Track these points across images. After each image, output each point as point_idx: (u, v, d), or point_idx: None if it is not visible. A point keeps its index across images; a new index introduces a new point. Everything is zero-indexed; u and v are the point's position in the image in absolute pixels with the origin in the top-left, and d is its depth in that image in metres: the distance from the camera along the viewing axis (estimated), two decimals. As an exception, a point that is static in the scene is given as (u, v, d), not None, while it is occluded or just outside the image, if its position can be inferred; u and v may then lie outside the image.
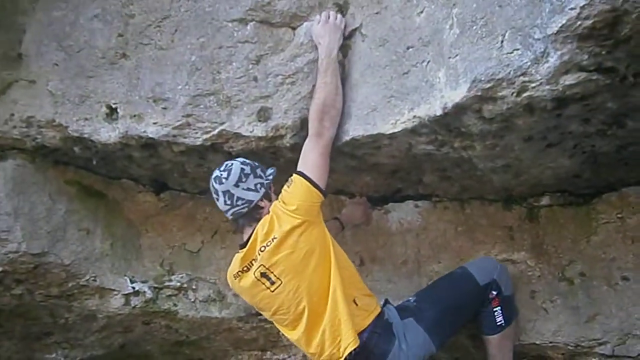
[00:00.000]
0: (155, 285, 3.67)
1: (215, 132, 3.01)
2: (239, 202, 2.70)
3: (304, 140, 2.87)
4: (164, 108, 3.04)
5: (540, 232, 3.23)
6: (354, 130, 2.84)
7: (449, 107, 2.43)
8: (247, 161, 2.78)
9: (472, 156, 2.81)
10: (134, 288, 3.62)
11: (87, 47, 3.20)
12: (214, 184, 2.76)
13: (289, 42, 2.96)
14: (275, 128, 2.95)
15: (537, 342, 3.19)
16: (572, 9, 1.99)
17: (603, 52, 2.06)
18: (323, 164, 2.74)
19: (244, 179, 2.70)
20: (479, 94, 2.34)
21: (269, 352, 3.98)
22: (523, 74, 2.21)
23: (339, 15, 2.90)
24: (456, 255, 3.36)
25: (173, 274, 3.69)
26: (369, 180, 3.32)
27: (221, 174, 2.73)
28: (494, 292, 2.93)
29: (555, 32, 2.06)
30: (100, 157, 3.34)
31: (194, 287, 3.70)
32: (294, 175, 2.71)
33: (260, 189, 2.73)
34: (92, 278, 3.52)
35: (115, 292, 3.61)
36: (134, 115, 3.09)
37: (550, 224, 3.21)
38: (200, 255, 3.74)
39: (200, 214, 3.75)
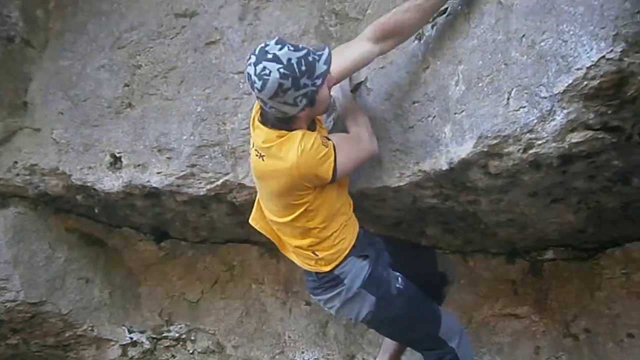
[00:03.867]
0: (154, 336, 3.64)
1: (220, 182, 3.03)
2: (272, 110, 2.29)
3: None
4: (169, 158, 3.06)
5: (544, 287, 3.21)
6: (360, 182, 2.84)
7: (455, 162, 2.43)
8: (290, 68, 2.19)
9: (476, 210, 2.82)
10: (131, 338, 3.60)
11: (93, 96, 3.24)
12: (248, 80, 2.28)
13: (294, 95, 2.98)
14: (279, 180, 2.95)
15: (542, 400, 3.15)
16: (578, 69, 2.01)
17: (609, 112, 2.08)
18: (357, 161, 2.57)
19: (280, 94, 2.21)
20: (485, 149, 2.35)
21: (266, 406, 3.90)
22: (529, 131, 2.22)
23: None
24: (459, 308, 3.32)
25: (172, 324, 3.66)
26: (372, 231, 3.30)
27: (254, 80, 2.22)
28: None
29: (561, 91, 2.08)
30: (102, 206, 3.34)
31: (192, 337, 3.66)
32: (331, 144, 2.39)
33: (300, 102, 2.26)
34: (90, 328, 3.49)
35: (113, 343, 3.58)
36: (138, 165, 3.11)
37: (554, 279, 3.20)
38: (200, 305, 3.71)
39: (201, 263, 3.74)
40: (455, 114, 2.45)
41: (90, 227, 3.58)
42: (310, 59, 2.26)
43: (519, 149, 2.29)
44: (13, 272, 3.24)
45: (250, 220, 2.74)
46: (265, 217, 2.65)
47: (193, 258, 3.73)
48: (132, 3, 3.30)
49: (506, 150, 2.32)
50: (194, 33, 3.13)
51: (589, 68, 1.99)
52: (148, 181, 3.08)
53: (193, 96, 3.08)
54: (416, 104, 2.64)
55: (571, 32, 2.05)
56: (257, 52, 2.24)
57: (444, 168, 2.50)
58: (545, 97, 2.15)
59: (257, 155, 2.41)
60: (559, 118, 2.15)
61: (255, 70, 2.21)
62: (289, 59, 2.21)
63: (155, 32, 3.20)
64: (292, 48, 2.25)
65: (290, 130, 2.37)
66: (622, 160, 2.30)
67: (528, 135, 2.24)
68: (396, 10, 2.49)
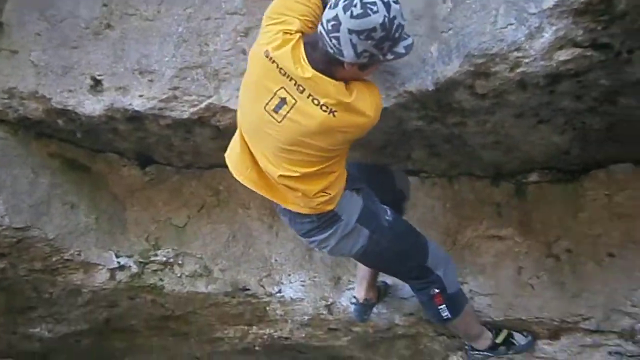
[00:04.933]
0: (141, 260, 3.66)
1: (203, 105, 2.98)
2: (333, 42, 2.07)
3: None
4: (150, 80, 3.01)
5: (528, 209, 3.25)
6: (344, 105, 2.81)
7: (441, 82, 2.41)
8: (391, 24, 2.03)
9: (462, 132, 2.81)
10: (119, 263, 3.61)
11: (70, 16, 3.13)
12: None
13: (278, 15, 2.91)
14: (263, 102, 2.92)
15: (523, 318, 3.23)
16: (568, -18, 1.97)
17: (598, 28, 2.05)
18: None
19: (362, 37, 2.03)
20: (472, 69, 2.33)
21: (254, 327, 3.97)
22: (517, 49, 2.20)
23: None
24: (444, 231, 3.37)
25: (159, 249, 3.68)
26: (357, 157, 3.29)
27: (355, 4, 1.99)
28: (437, 290, 2.85)
29: (551, 6, 2.05)
30: (84, 130, 3.30)
31: (180, 262, 3.68)
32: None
33: (363, 57, 2.09)
34: (77, 252, 3.49)
35: (100, 267, 3.59)
36: (120, 88, 3.06)
37: (538, 201, 3.24)
38: (187, 230, 3.72)
39: (187, 188, 3.73)
40: (442, 32, 2.41)
41: (74, 152, 3.53)
42: (404, 35, 2.13)
43: (506, 68, 2.27)
44: (-4, 198, 3.22)
45: (237, 176, 2.58)
46: (256, 168, 2.48)
47: (178, 183, 3.71)
48: None
49: (493, 69, 2.30)
50: (173, -51, 3.02)
51: (579, -18, 1.95)
52: (130, 104, 3.03)
53: (174, 16, 2.98)
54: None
55: (562, -56, 2.00)
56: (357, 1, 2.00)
57: (429, 89, 2.47)
58: (534, 13, 2.11)
59: (326, 111, 2.17)
60: (547, 35, 2.12)
61: (359, 1, 1.99)
62: (394, 17, 2.05)
63: (132, -52, 3.09)
64: (402, 11, 2.08)
65: (333, 75, 2.17)
66: (609, 79, 2.28)
67: (515, 54, 2.21)
68: None
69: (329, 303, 3.58)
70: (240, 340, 4.10)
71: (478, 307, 3.28)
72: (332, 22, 2.05)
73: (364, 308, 3.35)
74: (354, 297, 3.36)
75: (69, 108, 3.12)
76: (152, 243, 3.69)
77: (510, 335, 3.28)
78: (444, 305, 2.88)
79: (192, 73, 2.96)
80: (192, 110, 3.00)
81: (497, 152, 3.00)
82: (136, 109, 3.03)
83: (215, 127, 3.09)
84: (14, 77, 3.19)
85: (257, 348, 4.15)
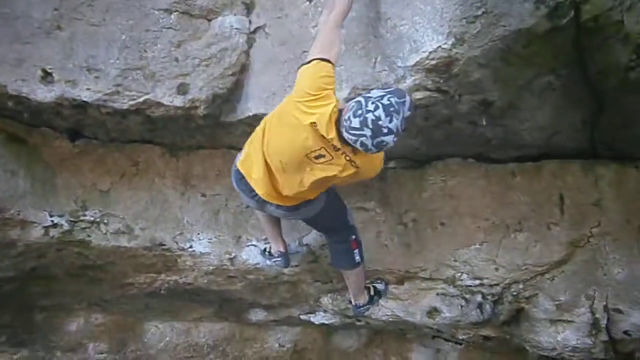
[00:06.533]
0: (71, 219, 4.21)
1: (141, 100, 3.66)
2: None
3: (216, 112, 3.65)
4: (97, 77, 3.61)
5: (387, 188, 4.22)
6: (256, 108, 3.63)
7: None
8: (399, 132, 2.69)
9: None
10: (52, 221, 4.15)
11: (23, 16, 3.59)
12: (361, 146, 2.71)
13: (205, 32, 3.64)
14: (191, 100, 3.66)
15: (379, 269, 4.26)
16: (424, 51, 2.95)
17: (441, 81, 3.06)
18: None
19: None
20: (356, 97, 3.23)
21: (163, 275, 4.67)
22: (388, 88, 3.13)
23: None
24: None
25: (86, 210, 4.25)
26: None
27: (371, 149, 2.71)
28: (353, 237, 3.76)
29: (412, 64, 3.01)
30: (31, 112, 3.82)
31: (105, 221, 4.28)
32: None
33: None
34: (17, 212, 4.01)
35: (36, 225, 4.12)
36: (69, 81, 3.61)
37: (394, 182, 4.21)
38: (110, 195, 4.32)
39: (110, 158, 4.30)
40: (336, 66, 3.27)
41: (14, 127, 4.00)
42: (407, 116, 2.69)
43: (379, 99, 3.19)
44: (-50, 166, 3.67)
45: (263, 196, 3.26)
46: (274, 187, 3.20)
47: (103, 155, 4.28)
48: None
49: (370, 99, 3.22)
50: (119, -33, 3.58)
51: (430, 52, 2.93)
52: (79, 95, 3.60)
53: (118, 25, 3.59)
54: (305, 52, 3.38)
55: (421, 24, 2.95)
56: (371, 127, 2.61)
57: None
58: (401, 67, 3.06)
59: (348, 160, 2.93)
60: (409, 82, 3.09)
61: (373, 142, 2.65)
62: (398, 127, 2.65)
63: (80, -38, 3.59)
64: (397, 117, 2.63)
65: None
66: (447, 110, 3.31)
67: (386, 91, 3.14)
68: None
69: (231, 256, 4.37)
70: (149, 285, 4.79)
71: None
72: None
73: (287, 256, 4.12)
74: (278, 251, 4.06)
75: (23, 95, 3.63)
76: (80, 205, 4.25)
77: (374, 287, 4.32)
78: (357, 250, 3.74)
79: (132, 73, 3.62)
80: (131, 103, 3.66)
81: (367, 147, 3.95)
82: (84, 99, 3.61)
83: (148, 116, 3.76)
84: (-31, 65, 3.63)
85: (162, 292, 4.88)
